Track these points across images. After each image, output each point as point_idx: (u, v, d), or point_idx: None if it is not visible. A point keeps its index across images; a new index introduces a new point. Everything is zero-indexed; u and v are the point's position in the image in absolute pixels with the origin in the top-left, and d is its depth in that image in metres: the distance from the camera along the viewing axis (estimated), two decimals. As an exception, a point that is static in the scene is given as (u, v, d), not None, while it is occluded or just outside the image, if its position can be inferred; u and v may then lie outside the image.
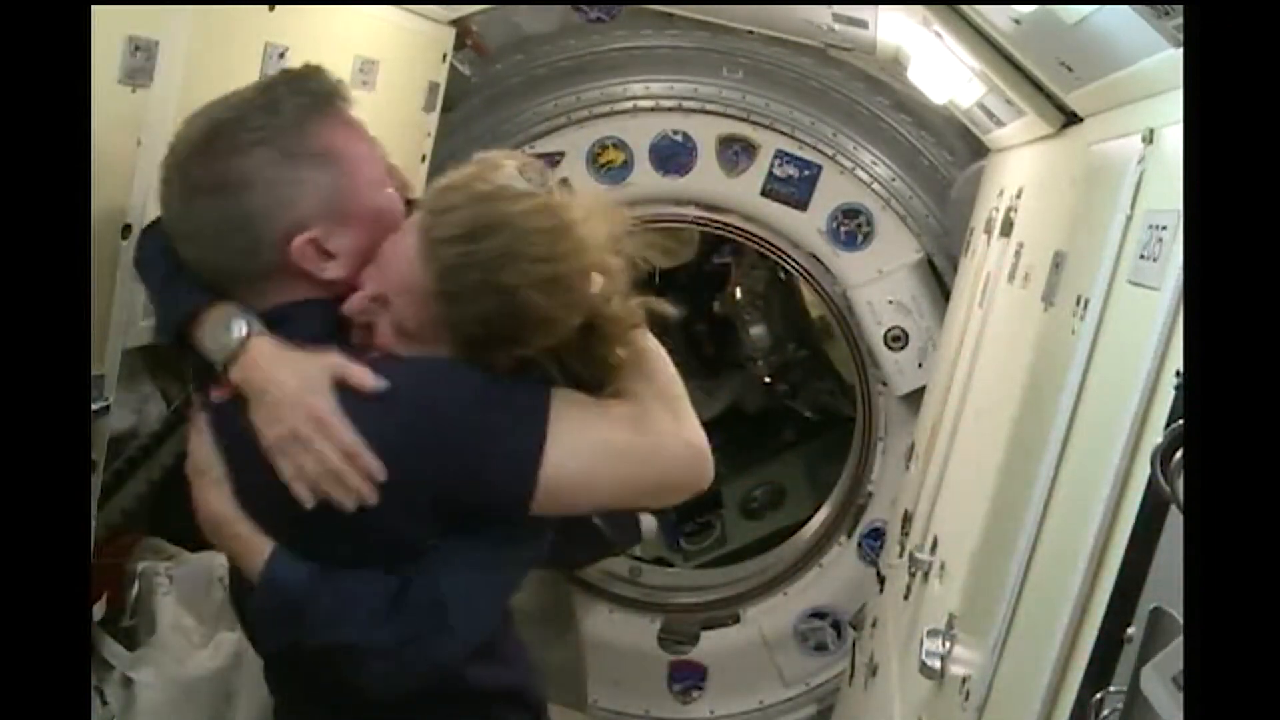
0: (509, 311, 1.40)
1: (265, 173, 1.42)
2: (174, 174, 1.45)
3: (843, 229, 3.15)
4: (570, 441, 1.43)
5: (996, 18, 1.76)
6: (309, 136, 1.44)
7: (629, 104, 3.16)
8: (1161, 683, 0.82)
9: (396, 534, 1.42)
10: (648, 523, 2.44)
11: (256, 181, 1.42)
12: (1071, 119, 1.88)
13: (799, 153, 3.14)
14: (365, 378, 1.38)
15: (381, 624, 1.41)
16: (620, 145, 3.16)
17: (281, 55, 1.88)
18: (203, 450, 1.45)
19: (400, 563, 1.43)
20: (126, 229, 1.60)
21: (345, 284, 1.47)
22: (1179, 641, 0.82)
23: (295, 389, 1.38)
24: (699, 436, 1.51)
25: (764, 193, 3.15)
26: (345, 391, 1.38)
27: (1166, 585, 0.92)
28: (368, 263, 1.47)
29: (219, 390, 1.44)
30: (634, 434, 1.47)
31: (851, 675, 3.02)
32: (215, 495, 1.44)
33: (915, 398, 3.08)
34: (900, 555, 2.55)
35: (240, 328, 1.41)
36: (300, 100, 1.46)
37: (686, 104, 3.15)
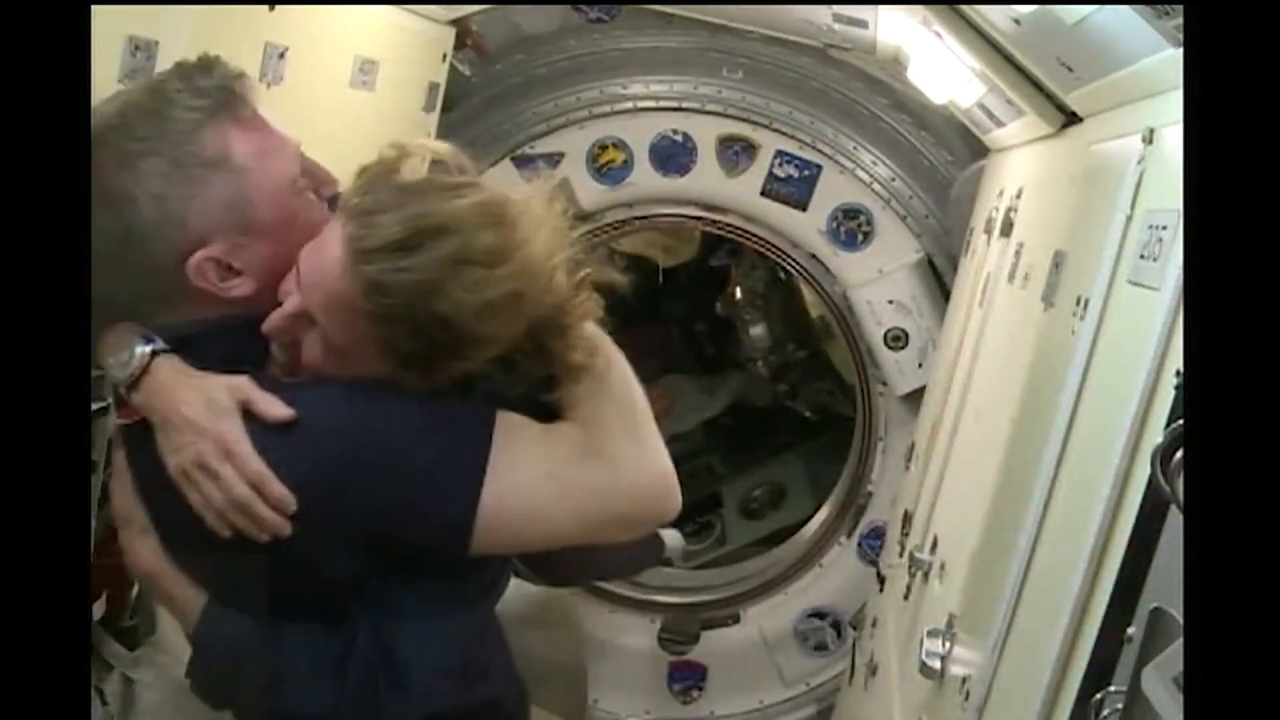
0: (451, 330, 1.26)
1: (153, 186, 1.29)
2: None
3: (843, 229, 3.15)
4: (513, 474, 1.31)
5: (996, 18, 1.76)
6: (203, 142, 1.30)
7: (629, 104, 3.16)
8: (1162, 684, 0.83)
9: (331, 572, 1.32)
10: (672, 538, 2.37)
11: (144, 196, 1.29)
12: (1071, 119, 1.88)
13: (799, 153, 3.14)
14: (271, 406, 1.27)
15: (325, 688, 1.32)
16: (620, 145, 3.16)
17: (281, 55, 1.88)
18: (123, 498, 1.38)
19: (341, 605, 1.33)
20: (126, 229, 1.59)
21: (260, 299, 1.34)
22: (1180, 643, 0.82)
23: (199, 414, 1.27)
24: (661, 462, 1.38)
25: (764, 193, 3.15)
26: (260, 421, 1.27)
27: (1166, 585, 0.92)
28: (283, 273, 1.33)
29: (123, 414, 1.36)
30: (586, 463, 1.33)
31: (851, 675, 3.02)
32: (142, 546, 1.38)
33: (915, 398, 3.08)
34: (900, 555, 2.55)
35: (141, 349, 1.31)
36: (193, 102, 1.31)
37: (686, 104, 3.15)
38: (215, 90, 1.34)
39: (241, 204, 1.32)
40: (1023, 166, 2.27)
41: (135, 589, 1.95)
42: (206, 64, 1.36)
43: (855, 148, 3.14)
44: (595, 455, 1.34)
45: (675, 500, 1.40)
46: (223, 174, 1.31)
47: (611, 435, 1.35)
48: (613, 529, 1.42)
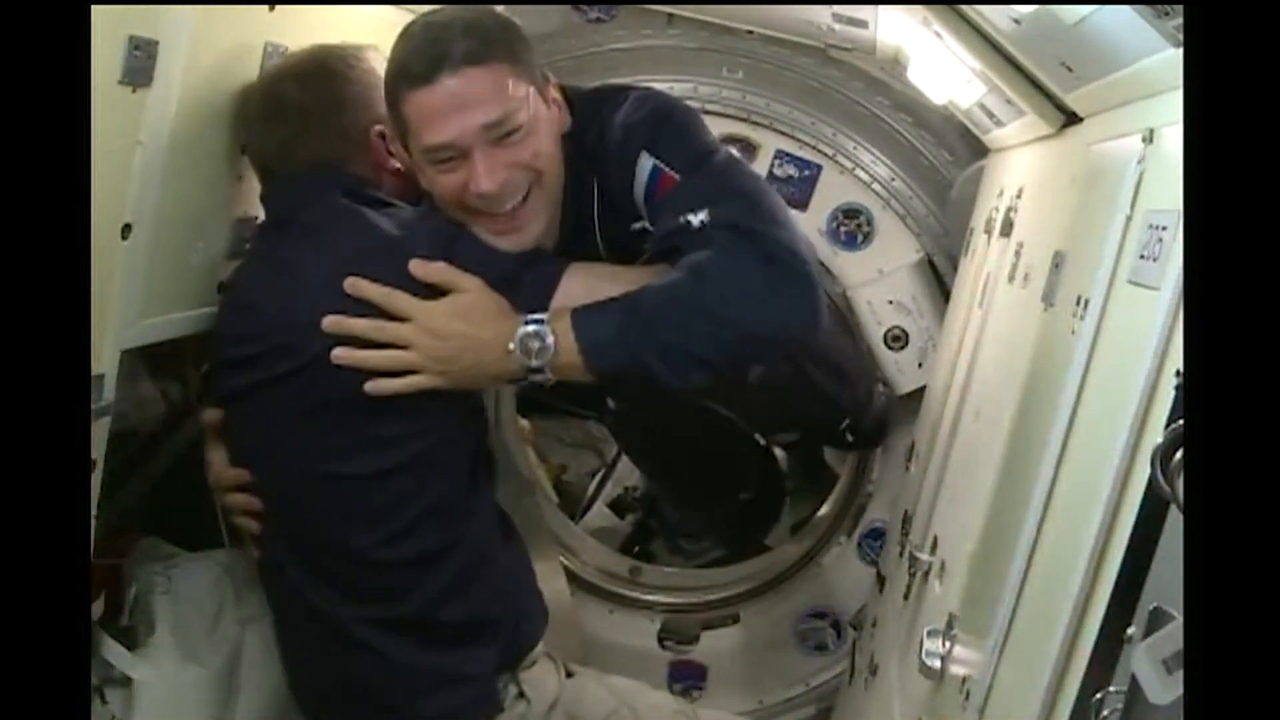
0: None
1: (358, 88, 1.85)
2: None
3: (843, 229, 3.15)
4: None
5: (996, 18, 1.76)
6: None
7: (629, 104, 3.15)
8: (1152, 665, 0.83)
9: None
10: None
11: (356, 89, 1.84)
12: (1071, 119, 1.87)
13: (799, 153, 3.13)
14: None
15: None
16: (620, 145, 3.15)
17: (282, 55, 1.88)
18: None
19: None
20: (126, 229, 1.60)
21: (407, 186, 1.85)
22: (1172, 627, 0.82)
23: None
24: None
25: (764, 192, 3.15)
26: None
27: (1166, 585, 0.92)
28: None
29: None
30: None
31: (851, 675, 3.02)
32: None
33: (915, 398, 3.08)
34: (900, 555, 2.55)
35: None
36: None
37: (686, 104, 3.14)
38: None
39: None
40: (1023, 166, 2.27)
41: (134, 589, 1.95)
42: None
43: (855, 148, 3.13)
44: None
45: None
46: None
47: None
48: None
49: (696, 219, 1.71)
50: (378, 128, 1.84)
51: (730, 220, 1.69)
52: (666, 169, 1.79)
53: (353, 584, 1.83)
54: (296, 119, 1.80)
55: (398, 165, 1.86)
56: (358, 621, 1.82)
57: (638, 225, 1.86)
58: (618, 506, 4.10)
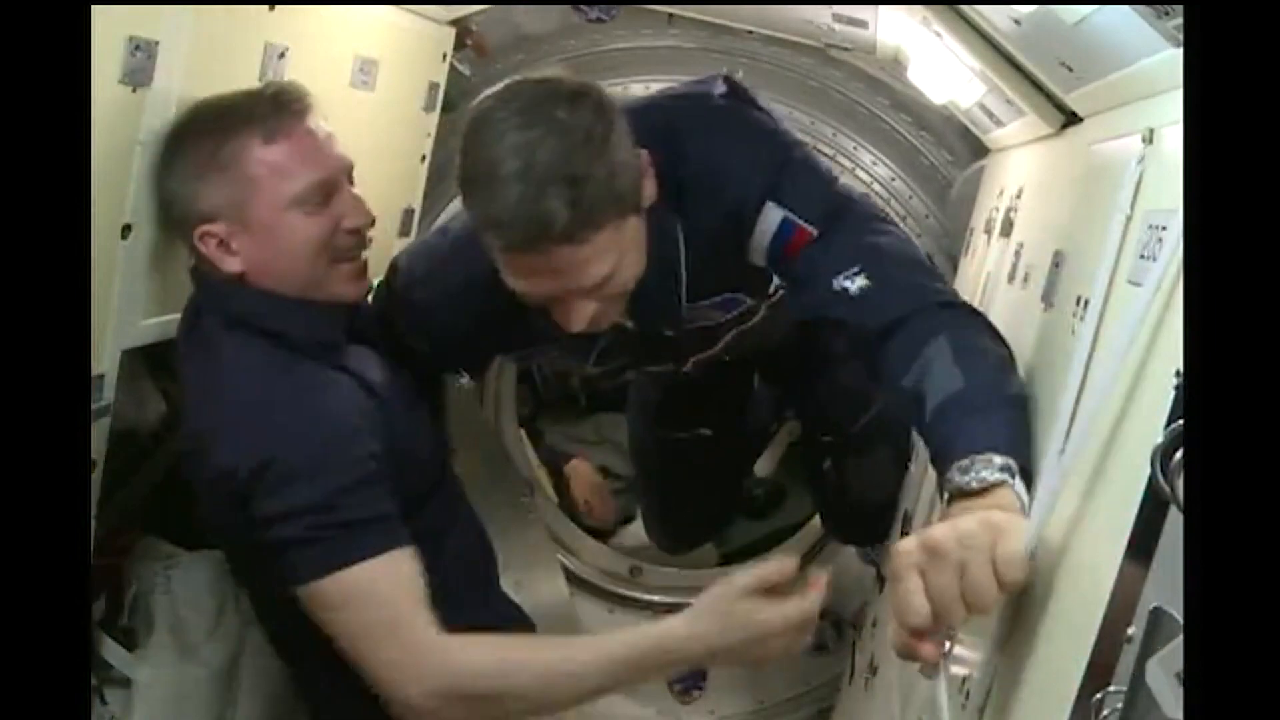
0: None
1: (188, 170, 1.66)
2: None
3: (843, 229, 3.14)
4: None
5: (996, 18, 1.76)
6: (229, 148, 1.65)
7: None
8: (1166, 679, 0.83)
9: None
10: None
11: (181, 173, 1.66)
12: (1071, 119, 1.87)
13: (799, 153, 3.13)
14: None
15: None
16: (621, 145, 3.15)
17: (281, 55, 1.88)
18: None
19: None
20: (126, 229, 1.60)
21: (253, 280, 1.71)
22: (1181, 638, 0.82)
23: None
24: None
25: (764, 192, 3.14)
26: None
27: (1166, 585, 0.92)
28: (269, 267, 1.69)
29: None
30: None
31: (851, 675, 3.02)
32: None
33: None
34: (900, 555, 2.54)
35: None
36: (241, 114, 1.68)
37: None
38: (263, 105, 1.66)
39: (239, 201, 1.64)
40: (1023, 166, 2.27)
41: (134, 589, 1.95)
42: (278, 86, 1.71)
43: (855, 148, 3.13)
44: None
45: None
46: (231, 174, 1.64)
47: None
48: None
49: (855, 286, 1.58)
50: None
51: (929, 297, 1.57)
52: (800, 222, 1.63)
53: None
54: None
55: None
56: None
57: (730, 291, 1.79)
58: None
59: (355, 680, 1.62)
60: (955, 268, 3.02)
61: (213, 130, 1.63)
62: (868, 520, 2.81)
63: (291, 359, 1.68)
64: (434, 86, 2.67)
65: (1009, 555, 1.11)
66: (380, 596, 1.55)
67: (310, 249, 1.69)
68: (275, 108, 1.66)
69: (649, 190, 1.63)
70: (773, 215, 1.64)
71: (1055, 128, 1.94)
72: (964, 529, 1.14)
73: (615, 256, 1.56)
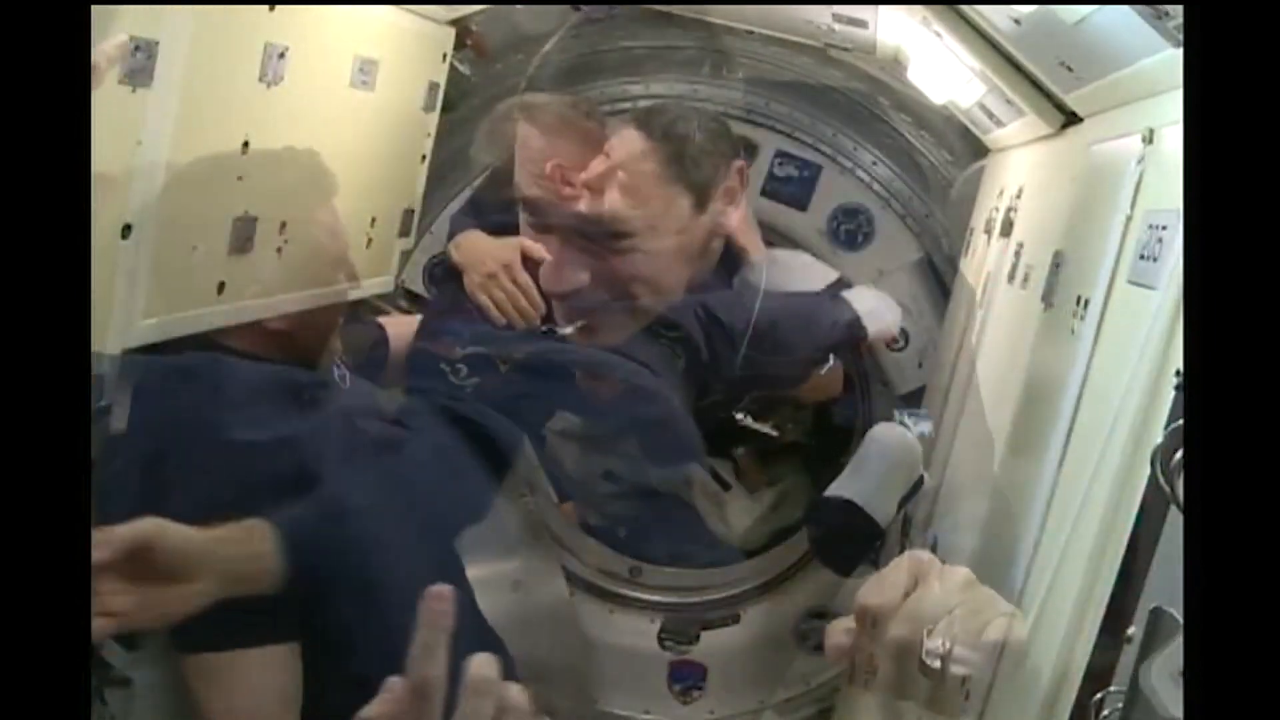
0: None
1: None
2: None
3: (843, 229, 3.14)
4: None
5: (996, 18, 1.76)
6: None
7: (629, 104, 3.15)
8: (1165, 681, 0.83)
9: None
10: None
11: None
12: (1071, 119, 1.87)
13: (799, 153, 3.13)
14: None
15: None
16: (621, 145, 3.15)
17: (281, 55, 1.88)
18: None
19: None
20: (126, 229, 1.60)
21: None
22: (1180, 640, 0.82)
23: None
24: None
25: (764, 193, 3.14)
26: None
27: (1166, 585, 0.92)
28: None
29: None
30: None
31: (851, 675, 3.02)
32: None
33: (915, 398, 3.07)
34: (900, 555, 2.54)
35: None
36: None
37: (686, 104, 3.15)
38: None
39: None
40: (1023, 166, 2.27)
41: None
42: None
43: (855, 148, 3.13)
44: None
45: None
46: None
47: None
48: None
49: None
50: None
51: None
52: None
53: None
54: None
55: None
56: None
57: None
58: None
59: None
60: (955, 268, 3.02)
61: None
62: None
63: None
64: (434, 86, 2.67)
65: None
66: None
67: None
68: None
69: (725, 194, 1.89)
70: None
71: (1055, 128, 1.94)
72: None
73: (650, 218, 1.74)
